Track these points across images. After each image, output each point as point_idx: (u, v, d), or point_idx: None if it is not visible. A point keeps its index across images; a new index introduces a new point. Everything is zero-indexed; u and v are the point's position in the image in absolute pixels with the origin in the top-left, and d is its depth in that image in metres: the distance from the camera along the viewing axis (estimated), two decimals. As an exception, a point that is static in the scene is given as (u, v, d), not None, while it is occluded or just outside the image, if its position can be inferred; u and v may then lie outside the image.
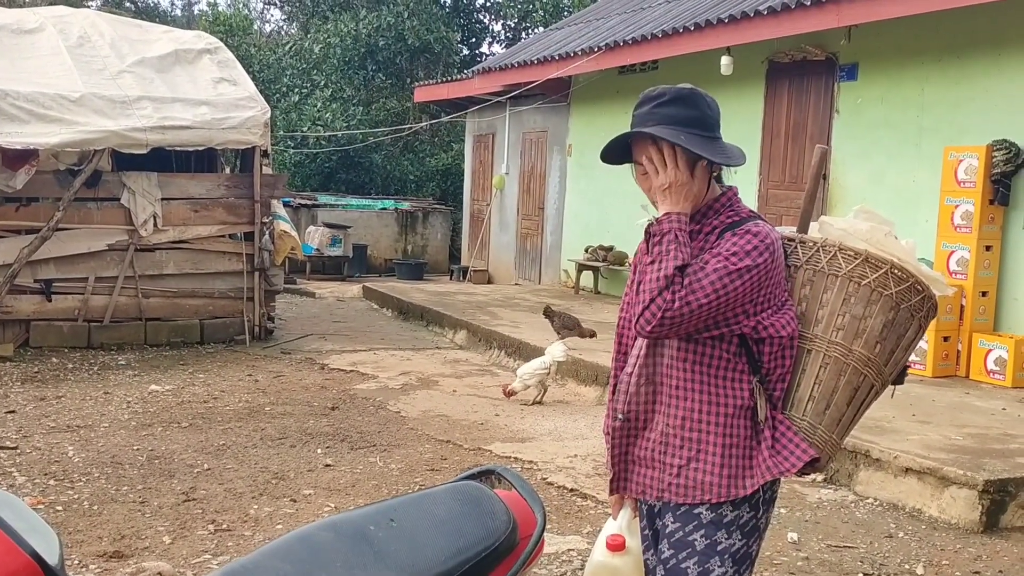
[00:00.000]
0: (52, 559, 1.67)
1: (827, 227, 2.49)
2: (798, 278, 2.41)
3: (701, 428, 2.33)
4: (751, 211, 2.40)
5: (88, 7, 23.57)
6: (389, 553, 2.10)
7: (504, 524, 2.22)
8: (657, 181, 2.32)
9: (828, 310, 2.37)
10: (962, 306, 7.79)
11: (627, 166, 2.46)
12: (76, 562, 4.18)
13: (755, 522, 2.37)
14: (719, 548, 2.32)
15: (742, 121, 10.32)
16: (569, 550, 4.50)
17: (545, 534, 4.97)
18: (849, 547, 4.70)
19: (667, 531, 2.39)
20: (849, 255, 2.37)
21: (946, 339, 7.79)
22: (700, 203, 2.37)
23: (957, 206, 7.86)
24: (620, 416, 2.44)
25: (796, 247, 2.42)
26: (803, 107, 10.07)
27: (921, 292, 2.41)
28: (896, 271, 2.37)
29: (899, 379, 2.49)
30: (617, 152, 2.41)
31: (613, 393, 2.58)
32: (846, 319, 2.36)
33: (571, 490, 5.42)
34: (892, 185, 9.02)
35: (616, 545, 2.51)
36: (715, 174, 2.39)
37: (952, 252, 7.87)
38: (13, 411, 6.68)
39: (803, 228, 2.53)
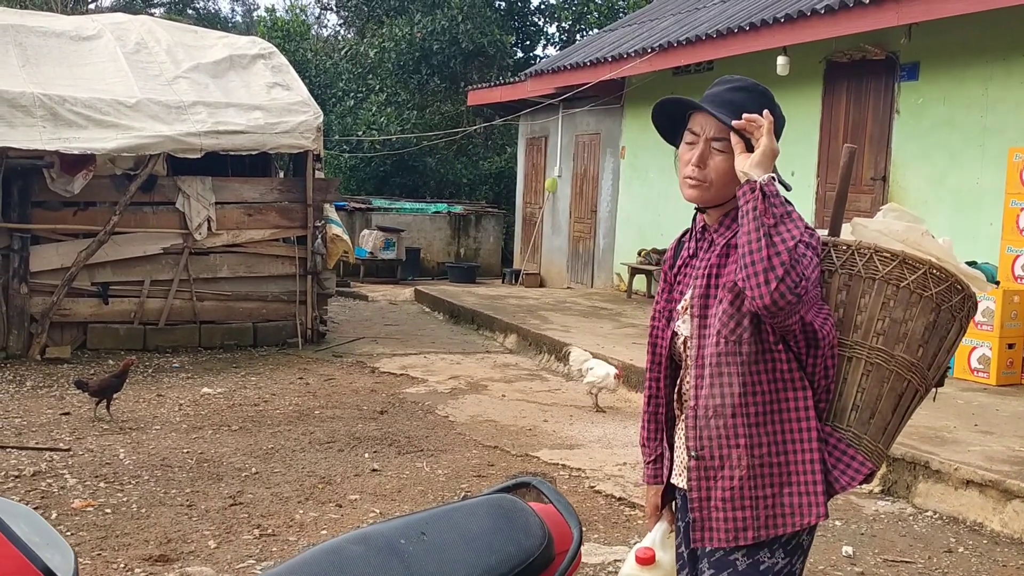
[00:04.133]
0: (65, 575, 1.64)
1: (860, 229, 2.38)
2: (833, 283, 2.30)
3: (787, 450, 2.22)
4: None
5: (152, 15, 24.03)
6: (419, 568, 2.04)
7: (539, 540, 2.15)
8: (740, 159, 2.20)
9: (867, 315, 2.27)
10: (1028, 312, 7.53)
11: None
12: (122, 566, 4.20)
13: (790, 568, 2.28)
14: (762, 568, 2.23)
15: (800, 122, 10.12)
16: (616, 561, 4.41)
17: (592, 544, 4.87)
18: (907, 562, 4.55)
19: (705, 551, 2.30)
20: (886, 257, 2.27)
21: (1011, 346, 7.53)
22: (724, 201, 2.27)
23: (1023, 209, 7.60)
24: (693, 454, 2.29)
25: (829, 251, 2.32)
26: (862, 107, 9.85)
27: (962, 291, 2.31)
28: (935, 271, 2.27)
29: (939, 381, 2.40)
30: (671, 118, 2.33)
31: (648, 404, 2.50)
32: (886, 323, 2.26)
33: (619, 499, 5.33)
34: (954, 187, 8.77)
35: (646, 559, 2.43)
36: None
37: (1017, 256, 7.61)
38: (68, 413, 6.79)
39: (835, 231, 2.42)
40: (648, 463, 2.53)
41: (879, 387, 2.27)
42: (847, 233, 2.42)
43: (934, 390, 2.39)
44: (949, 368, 2.42)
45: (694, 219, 2.41)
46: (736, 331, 2.20)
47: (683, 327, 2.36)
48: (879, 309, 2.27)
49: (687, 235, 2.44)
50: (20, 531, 1.57)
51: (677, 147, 2.33)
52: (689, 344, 2.33)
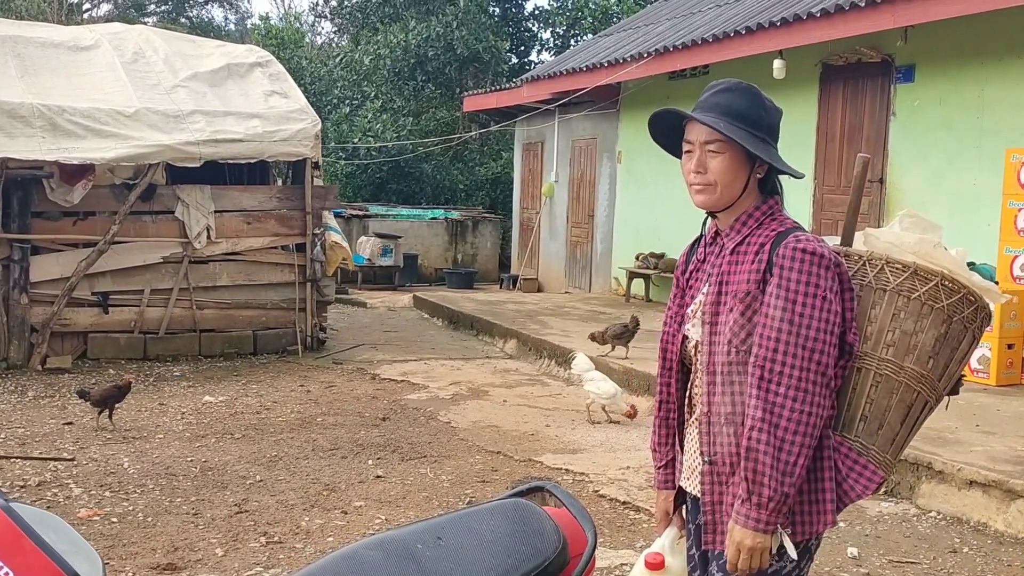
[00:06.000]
0: (94, 581, 1.66)
1: (872, 239, 2.39)
2: None
3: None
4: (795, 222, 2.31)
5: (145, 23, 24.04)
6: (436, 572, 2.06)
7: (553, 543, 2.17)
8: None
9: (877, 326, 2.28)
10: (1027, 312, 7.56)
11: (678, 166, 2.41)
12: (131, 574, 4.20)
13: (798, 572, 2.29)
14: (770, 571, 2.24)
15: (796, 125, 10.16)
16: (621, 564, 4.43)
17: (598, 548, 4.90)
18: (912, 563, 4.57)
19: (715, 553, 2.32)
20: (897, 268, 2.29)
21: (1010, 347, 7.56)
22: (733, 203, 2.30)
23: (1020, 209, 7.64)
24: (707, 459, 2.31)
25: (841, 261, 2.34)
26: (858, 110, 9.89)
27: (974, 303, 2.31)
28: (947, 283, 2.28)
29: (954, 389, 2.40)
30: (668, 129, 2.37)
31: (659, 409, 2.52)
32: (896, 335, 2.27)
33: (623, 503, 5.34)
34: (951, 188, 8.80)
35: (655, 564, 2.45)
36: (759, 177, 2.31)
37: (1015, 257, 7.64)
38: (71, 423, 6.79)
39: (847, 241, 2.44)
40: (659, 468, 2.54)
41: (888, 398, 2.28)
42: (859, 243, 2.43)
43: (947, 398, 2.40)
44: (963, 376, 2.43)
45: (704, 224, 2.43)
46: (747, 341, 2.22)
47: (693, 331, 2.39)
48: (889, 320, 2.28)
49: (699, 241, 2.46)
50: (49, 539, 1.59)
51: (667, 145, 2.40)
52: (699, 349, 2.35)
